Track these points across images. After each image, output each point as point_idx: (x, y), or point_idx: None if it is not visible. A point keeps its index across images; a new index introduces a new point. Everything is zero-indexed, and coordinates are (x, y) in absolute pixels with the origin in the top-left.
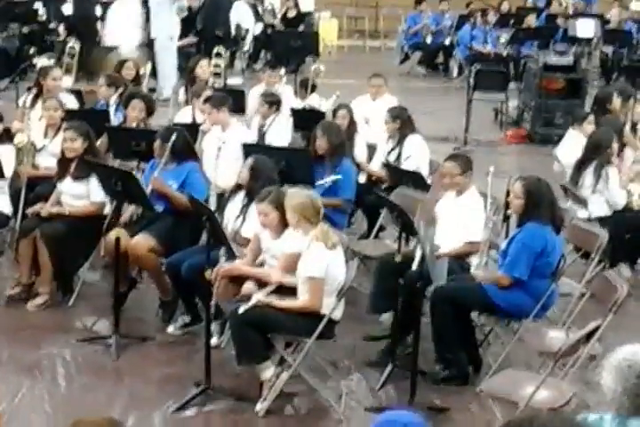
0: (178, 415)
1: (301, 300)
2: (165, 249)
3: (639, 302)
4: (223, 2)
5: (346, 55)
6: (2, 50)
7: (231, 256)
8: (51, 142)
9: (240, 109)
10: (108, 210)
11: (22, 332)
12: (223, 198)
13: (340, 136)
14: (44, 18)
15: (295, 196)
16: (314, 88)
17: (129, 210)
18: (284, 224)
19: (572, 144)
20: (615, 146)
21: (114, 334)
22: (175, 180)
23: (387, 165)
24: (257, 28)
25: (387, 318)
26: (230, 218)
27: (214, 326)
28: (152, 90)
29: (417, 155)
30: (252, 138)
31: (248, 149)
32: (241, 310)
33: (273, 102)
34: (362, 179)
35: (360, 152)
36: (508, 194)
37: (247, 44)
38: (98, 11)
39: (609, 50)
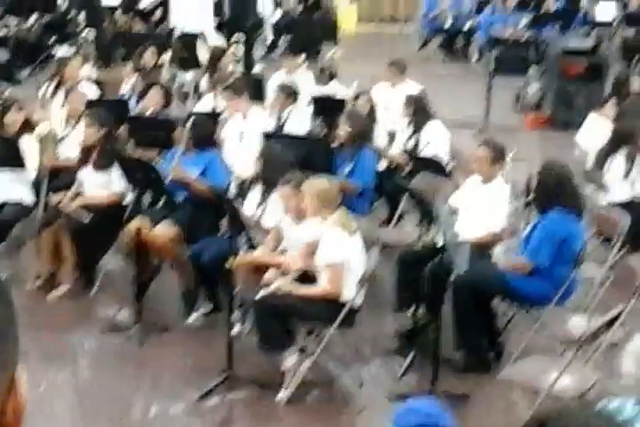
0: (200, 404)
1: (322, 286)
2: (187, 237)
3: None
4: None
5: (365, 41)
6: (22, 40)
7: (251, 245)
8: (72, 132)
9: (259, 97)
10: (128, 199)
11: (45, 322)
12: (244, 186)
13: (362, 125)
14: (64, 7)
15: (313, 182)
16: (333, 75)
17: None
18: (305, 209)
19: (594, 128)
20: None
21: (136, 324)
22: (196, 167)
23: (406, 152)
24: (276, 15)
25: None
26: (251, 207)
27: (236, 315)
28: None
29: (436, 141)
30: (273, 125)
31: (267, 139)
32: (258, 296)
33: (290, 93)
34: (382, 166)
35: (380, 139)
36: (528, 180)
37: (266, 31)
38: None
39: (630, 33)
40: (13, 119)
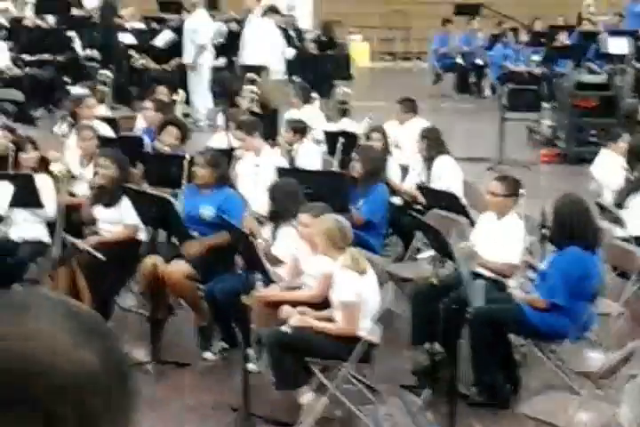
0: None
1: (338, 325)
2: (202, 275)
3: None
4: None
5: (378, 77)
6: (37, 79)
7: (268, 281)
8: (87, 171)
9: (273, 134)
10: (143, 236)
11: None
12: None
13: (375, 160)
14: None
15: (323, 221)
16: (345, 112)
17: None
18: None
19: (607, 163)
20: None
21: (152, 361)
22: (211, 205)
23: (420, 187)
24: (289, 53)
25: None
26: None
27: (251, 352)
28: (186, 115)
29: (447, 176)
30: (286, 163)
31: (282, 174)
32: (284, 329)
33: (297, 129)
34: (397, 201)
35: (394, 174)
36: (544, 213)
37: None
38: (127, 38)
39: None
40: (28, 158)
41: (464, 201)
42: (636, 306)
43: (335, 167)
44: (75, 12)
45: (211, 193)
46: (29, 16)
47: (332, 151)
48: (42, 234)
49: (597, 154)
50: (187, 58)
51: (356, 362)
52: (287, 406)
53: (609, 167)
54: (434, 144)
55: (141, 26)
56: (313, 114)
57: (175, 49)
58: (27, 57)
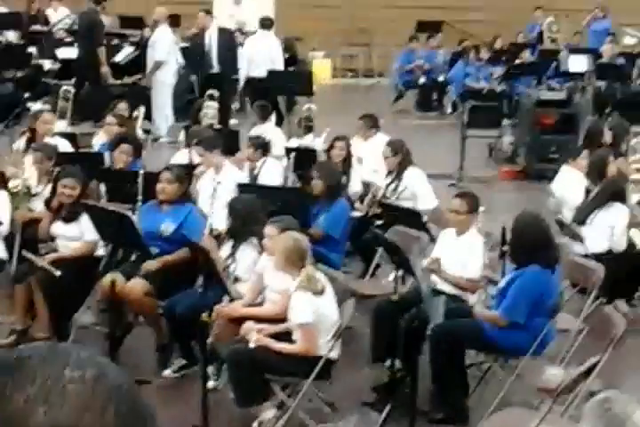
0: None
1: (297, 345)
2: (161, 292)
3: (637, 337)
4: (233, 43)
5: (340, 94)
6: None
7: (229, 297)
8: (45, 189)
9: (235, 150)
10: (102, 251)
11: None
12: (219, 240)
13: (335, 177)
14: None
15: (282, 239)
16: (310, 128)
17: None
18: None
19: (567, 180)
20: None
21: None
22: (172, 221)
23: (382, 204)
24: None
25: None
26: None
27: (211, 369)
28: (147, 131)
29: (417, 188)
30: (246, 180)
31: (243, 190)
32: (251, 346)
33: (259, 145)
34: (357, 214)
35: (355, 185)
36: (503, 230)
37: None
38: (119, 55)
39: (602, 84)
40: None
41: (425, 218)
42: (596, 322)
43: (292, 183)
44: (37, 27)
45: (172, 209)
46: None
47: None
48: None
49: (557, 171)
50: (148, 74)
51: (316, 379)
52: (246, 423)
53: (569, 184)
54: (406, 157)
55: None
56: (272, 131)
57: (137, 65)
58: None
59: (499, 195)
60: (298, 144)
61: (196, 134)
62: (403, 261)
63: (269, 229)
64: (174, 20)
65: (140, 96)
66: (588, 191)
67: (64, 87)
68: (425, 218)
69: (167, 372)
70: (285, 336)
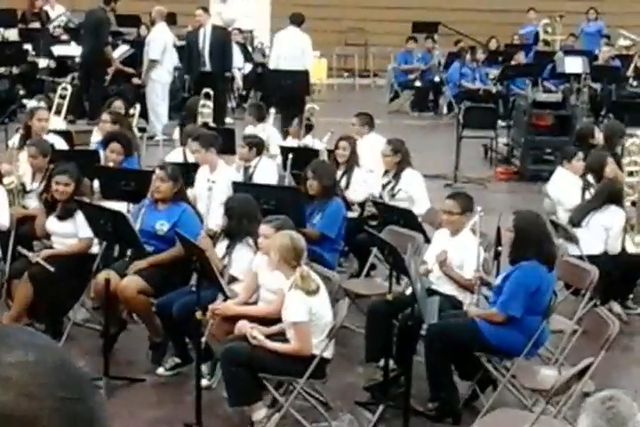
0: None
1: (291, 345)
2: (156, 290)
3: (631, 338)
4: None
5: (335, 94)
6: None
7: (224, 297)
8: (39, 186)
9: (230, 149)
10: (96, 249)
11: None
12: (213, 239)
13: (331, 178)
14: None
15: (278, 237)
16: (310, 128)
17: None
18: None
19: (562, 181)
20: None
21: (104, 376)
22: (167, 220)
23: (376, 203)
24: (246, 68)
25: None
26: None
27: (205, 368)
28: (142, 129)
29: (414, 189)
30: (239, 179)
31: (238, 188)
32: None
33: (253, 144)
34: (352, 214)
35: (358, 185)
36: (498, 231)
37: (237, 83)
38: (115, 53)
39: (597, 86)
40: None
41: (420, 218)
42: (590, 323)
43: (288, 182)
44: (37, 25)
45: (167, 208)
46: None
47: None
48: None
49: (553, 172)
50: (143, 72)
51: (310, 378)
52: (240, 422)
53: (564, 185)
54: (405, 157)
55: None
56: (268, 130)
57: (133, 63)
58: None
59: (494, 196)
60: (297, 144)
61: (191, 133)
62: (397, 261)
63: (264, 229)
64: (170, 19)
65: (136, 94)
66: (583, 191)
67: (62, 84)
68: (419, 219)
69: (161, 370)
70: (279, 336)
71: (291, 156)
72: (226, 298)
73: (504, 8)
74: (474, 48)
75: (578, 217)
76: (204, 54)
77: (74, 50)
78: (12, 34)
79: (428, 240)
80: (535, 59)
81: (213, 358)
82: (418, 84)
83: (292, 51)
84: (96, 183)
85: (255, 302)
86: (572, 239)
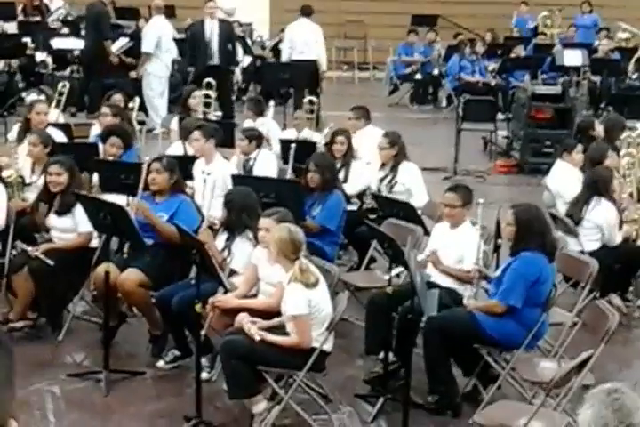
0: None
1: (291, 338)
2: (155, 283)
3: (630, 331)
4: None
5: (335, 86)
6: None
7: (224, 289)
8: (39, 178)
9: (231, 142)
10: (96, 243)
11: None
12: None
13: (332, 170)
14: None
15: (278, 229)
16: (311, 121)
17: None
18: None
19: (562, 174)
20: (616, 182)
21: (104, 369)
22: (165, 212)
23: (376, 196)
24: (245, 61)
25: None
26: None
27: (205, 361)
28: (141, 122)
29: (412, 181)
30: (235, 172)
31: (237, 181)
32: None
33: (252, 137)
34: (352, 207)
35: (357, 177)
36: (498, 223)
37: (237, 76)
38: (114, 46)
39: (597, 79)
40: None
41: (419, 211)
42: (589, 316)
43: (289, 175)
44: (37, 18)
45: (165, 200)
46: None
47: (287, 160)
48: None
49: (552, 165)
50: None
51: (310, 371)
52: (240, 415)
53: (564, 178)
54: (402, 150)
55: None
56: (268, 124)
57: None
58: None
59: (493, 188)
60: (296, 137)
61: (189, 126)
62: (397, 253)
63: (264, 222)
64: (169, 11)
65: (135, 87)
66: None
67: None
68: (419, 212)
69: (161, 363)
70: (279, 329)
71: (293, 146)
72: (226, 291)
73: (504, 0)
74: (473, 41)
75: (574, 211)
76: (213, 47)
77: (73, 43)
78: (12, 27)
79: (427, 233)
80: (534, 52)
81: (213, 351)
82: (418, 76)
83: (304, 41)
84: (95, 176)
85: (255, 296)
86: (572, 232)
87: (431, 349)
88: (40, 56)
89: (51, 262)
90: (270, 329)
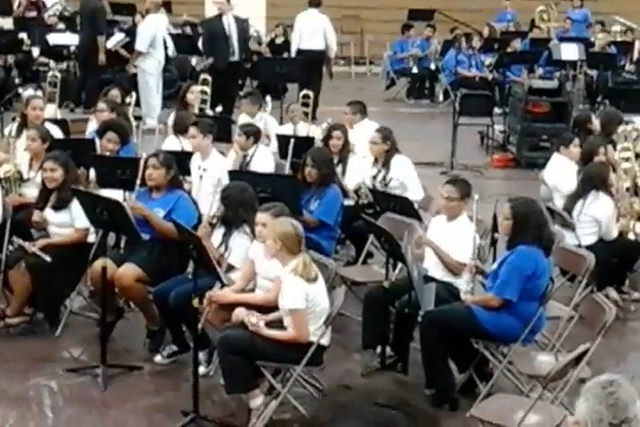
0: None
1: (288, 332)
2: (152, 278)
3: (627, 324)
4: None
5: (331, 81)
6: None
7: (222, 284)
8: (37, 173)
9: (228, 137)
10: (93, 238)
11: (9, 362)
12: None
13: (330, 165)
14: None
15: (280, 224)
16: (307, 115)
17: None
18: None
19: (559, 168)
20: (613, 176)
21: (101, 364)
22: (162, 208)
23: (373, 191)
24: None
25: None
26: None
27: (202, 355)
28: (138, 118)
29: (405, 175)
30: (231, 168)
31: (234, 176)
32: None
33: (250, 133)
34: (349, 202)
35: (354, 172)
36: (495, 218)
37: None
38: (110, 41)
39: (593, 73)
40: None
41: (416, 205)
42: (586, 310)
43: (286, 170)
44: (33, 14)
45: (162, 195)
46: None
47: (284, 155)
48: None
49: (549, 159)
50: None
51: (307, 365)
52: (237, 409)
53: (561, 171)
54: (394, 145)
55: None
56: (266, 119)
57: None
58: None
59: (490, 183)
60: (293, 131)
61: (185, 120)
62: (394, 248)
63: (261, 217)
64: (166, 7)
65: (132, 83)
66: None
67: (51, 73)
68: (415, 206)
69: (158, 358)
70: (276, 324)
71: (292, 141)
72: (223, 286)
73: None
74: (469, 35)
75: (570, 206)
76: (233, 44)
77: (69, 38)
78: (7, 22)
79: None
80: (531, 46)
81: (210, 346)
82: (415, 70)
83: (312, 31)
84: (92, 172)
85: (252, 290)
86: (569, 226)
87: (428, 343)
88: (36, 52)
89: (48, 258)
90: (268, 324)
